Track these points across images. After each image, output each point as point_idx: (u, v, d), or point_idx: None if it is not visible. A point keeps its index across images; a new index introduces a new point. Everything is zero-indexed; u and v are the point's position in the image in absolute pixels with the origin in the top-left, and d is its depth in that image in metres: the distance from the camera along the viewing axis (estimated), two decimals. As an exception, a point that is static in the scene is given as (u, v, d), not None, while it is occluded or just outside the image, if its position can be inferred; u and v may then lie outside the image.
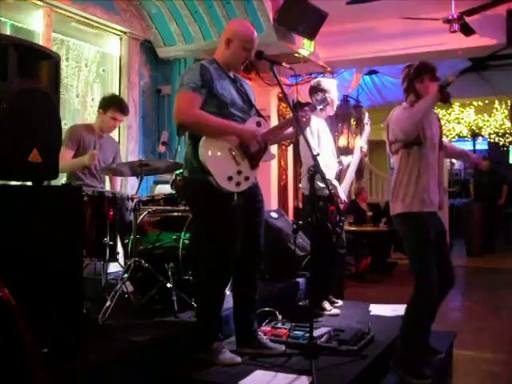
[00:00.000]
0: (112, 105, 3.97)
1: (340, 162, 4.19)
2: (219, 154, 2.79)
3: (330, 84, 4.15)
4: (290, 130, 3.11)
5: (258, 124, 2.98)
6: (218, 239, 2.83)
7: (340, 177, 4.21)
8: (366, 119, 4.46)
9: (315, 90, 4.10)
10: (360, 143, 4.35)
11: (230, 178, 2.78)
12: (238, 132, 2.84)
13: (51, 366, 2.14)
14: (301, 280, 4.52)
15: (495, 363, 3.72)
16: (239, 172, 2.83)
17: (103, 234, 3.46)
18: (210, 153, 2.75)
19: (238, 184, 2.81)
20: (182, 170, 3.19)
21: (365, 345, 3.11)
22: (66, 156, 3.79)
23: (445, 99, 2.91)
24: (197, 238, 3.16)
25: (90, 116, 5.16)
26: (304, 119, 2.99)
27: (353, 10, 5.35)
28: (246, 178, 2.86)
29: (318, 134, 3.96)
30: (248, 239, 2.97)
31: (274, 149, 6.75)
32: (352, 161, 4.26)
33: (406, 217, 2.99)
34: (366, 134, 4.36)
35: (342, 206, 4.01)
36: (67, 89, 4.88)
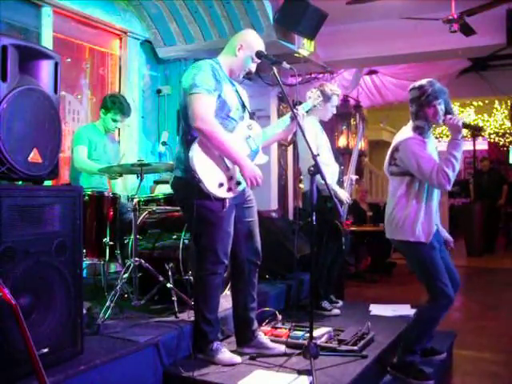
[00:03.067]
0: (113, 107, 3.97)
1: (341, 163, 4.21)
2: (210, 160, 2.78)
3: (334, 91, 4.17)
4: (283, 130, 3.13)
5: (249, 127, 2.99)
6: (212, 240, 2.83)
7: (342, 176, 4.24)
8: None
9: (323, 95, 4.11)
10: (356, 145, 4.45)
11: (220, 185, 2.77)
12: (239, 164, 2.79)
13: (51, 366, 2.14)
14: (301, 280, 4.52)
15: (495, 363, 3.72)
16: (230, 178, 2.83)
17: (103, 234, 3.46)
18: (200, 159, 2.74)
19: (229, 190, 2.81)
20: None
21: (365, 345, 3.12)
22: (84, 153, 3.86)
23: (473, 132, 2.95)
24: (192, 238, 3.16)
25: (90, 116, 5.16)
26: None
27: (353, 9, 5.35)
28: (238, 184, 2.86)
29: (317, 134, 3.98)
30: (245, 239, 2.99)
31: (274, 149, 6.76)
32: (351, 160, 4.32)
33: (413, 244, 2.94)
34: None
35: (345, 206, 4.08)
36: (67, 89, 4.88)
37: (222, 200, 2.80)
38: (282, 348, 3.01)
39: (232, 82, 3.02)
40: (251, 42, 2.97)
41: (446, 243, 3.19)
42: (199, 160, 2.73)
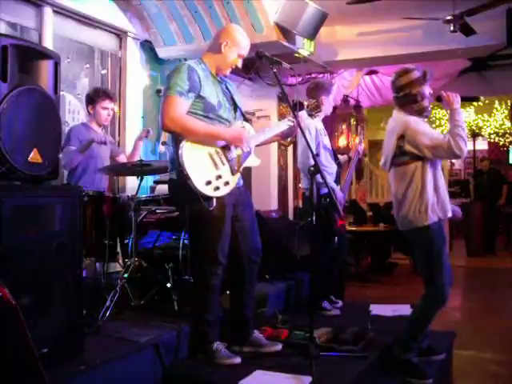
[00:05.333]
0: (97, 96, 4.00)
1: (339, 164, 4.19)
2: (198, 157, 2.78)
3: (330, 83, 4.19)
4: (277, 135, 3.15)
5: (243, 128, 2.99)
6: (207, 241, 2.83)
7: (339, 177, 4.21)
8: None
9: (313, 91, 4.12)
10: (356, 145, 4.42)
11: (208, 183, 2.76)
12: (225, 137, 2.84)
13: (51, 366, 2.14)
14: (301, 280, 4.52)
15: (495, 363, 3.72)
16: (218, 177, 2.81)
17: (103, 234, 3.46)
18: (188, 156, 2.74)
19: (216, 188, 2.79)
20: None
21: (365, 345, 3.11)
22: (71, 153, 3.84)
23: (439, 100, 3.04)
24: (189, 239, 3.16)
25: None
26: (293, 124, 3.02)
27: (353, 9, 5.35)
28: (226, 183, 2.84)
29: (316, 134, 3.97)
30: (244, 238, 2.98)
31: (274, 149, 6.76)
32: (350, 162, 4.29)
33: (427, 228, 2.94)
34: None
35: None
36: (67, 89, 4.88)
37: (210, 199, 2.79)
38: (278, 346, 3.01)
39: (220, 80, 3.00)
40: (236, 37, 2.95)
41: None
42: (188, 157, 2.73)
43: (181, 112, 2.75)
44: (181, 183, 2.80)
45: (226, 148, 2.88)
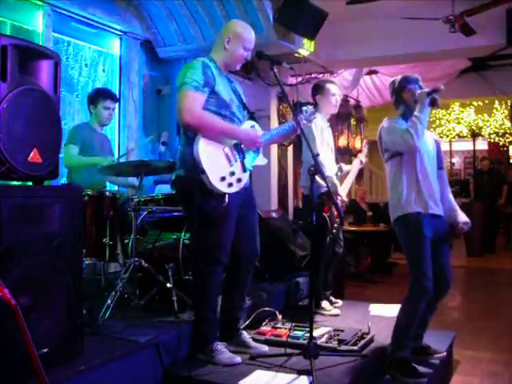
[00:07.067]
0: (99, 96, 4.02)
1: (340, 168, 4.14)
2: (214, 153, 2.80)
3: (328, 81, 4.18)
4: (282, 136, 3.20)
5: (252, 128, 3.01)
6: (212, 239, 2.84)
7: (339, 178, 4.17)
8: (365, 144, 4.58)
9: (318, 89, 4.11)
10: (360, 156, 4.35)
11: (222, 179, 2.78)
12: (240, 137, 2.87)
13: (51, 366, 2.14)
14: (301, 280, 4.52)
15: (495, 363, 3.72)
16: (232, 173, 2.83)
17: (103, 234, 3.46)
18: (204, 151, 2.75)
19: (230, 185, 2.81)
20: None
21: (365, 345, 3.12)
22: (74, 151, 3.88)
23: (432, 104, 3.07)
24: (193, 237, 3.16)
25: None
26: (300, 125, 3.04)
27: (353, 9, 5.35)
28: (239, 180, 2.87)
29: (322, 131, 3.94)
30: (246, 239, 2.99)
31: (274, 149, 6.76)
32: (352, 169, 4.24)
33: (404, 218, 3.06)
34: (364, 155, 4.38)
35: (342, 206, 3.98)
36: (67, 89, 4.88)
37: (223, 195, 2.79)
38: (264, 348, 3.02)
39: (229, 79, 3.02)
40: (238, 32, 2.96)
41: (460, 226, 3.24)
42: (203, 153, 2.75)
43: (198, 106, 2.77)
44: (190, 179, 2.80)
45: (238, 145, 2.90)
